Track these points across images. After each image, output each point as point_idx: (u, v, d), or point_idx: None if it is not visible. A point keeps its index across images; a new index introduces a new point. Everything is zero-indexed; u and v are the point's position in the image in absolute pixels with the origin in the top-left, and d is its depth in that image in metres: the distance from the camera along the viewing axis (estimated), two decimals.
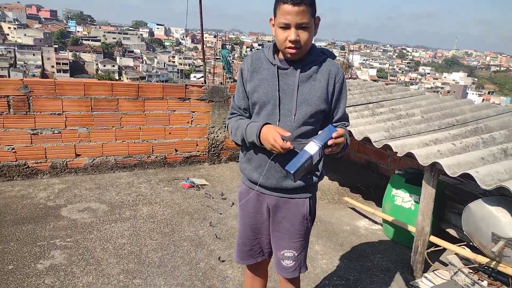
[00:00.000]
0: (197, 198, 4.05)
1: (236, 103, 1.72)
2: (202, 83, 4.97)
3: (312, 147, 1.42)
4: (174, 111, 4.72)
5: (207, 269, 2.82)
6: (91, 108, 4.29)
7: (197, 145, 4.98)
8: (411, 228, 3.06)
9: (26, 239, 3.05)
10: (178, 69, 79.14)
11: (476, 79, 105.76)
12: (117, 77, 64.14)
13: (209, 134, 5.03)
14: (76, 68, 65.62)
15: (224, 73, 5.10)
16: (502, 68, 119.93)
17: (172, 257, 2.94)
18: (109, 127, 4.42)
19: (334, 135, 1.42)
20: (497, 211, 2.31)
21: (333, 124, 1.69)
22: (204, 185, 4.41)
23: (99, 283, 2.59)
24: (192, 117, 4.86)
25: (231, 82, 5.34)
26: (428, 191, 2.76)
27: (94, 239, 3.12)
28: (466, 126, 3.30)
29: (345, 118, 1.71)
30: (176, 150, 4.87)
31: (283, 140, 1.46)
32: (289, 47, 1.50)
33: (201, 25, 5.00)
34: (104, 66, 67.47)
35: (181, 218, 3.59)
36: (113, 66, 68.21)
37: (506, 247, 2.25)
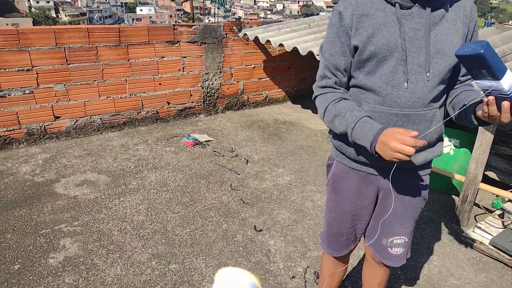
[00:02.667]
0: (206, 157, 3.66)
1: (332, 61, 1.30)
2: (191, 23, 4.33)
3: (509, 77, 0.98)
4: (163, 57, 4.13)
5: (247, 242, 2.54)
6: (66, 60, 3.58)
7: (191, 95, 4.49)
8: (459, 177, 2.88)
9: (24, 227, 2.56)
10: (121, 2, 72.95)
11: None
12: (54, 15, 58.04)
13: (203, 82, 4.52)
14: (5, 7, 58.29)
15: (216, 9, 4.42)
16: None
17: (203, 232, 2.61)
18: (90, 81, 3.77)
19: None
20: None
21: (460, 79, 1.34)
22: (209, 141, 4.01)
23: (131, 274, 2.23)
24: (184, 64, 4.31)
25: (223, 18, 4.69)
26: (486, 138, 2.56)
27: (106, 219, 2.69)
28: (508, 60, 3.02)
29: None
30: (169, 103, 4.36)
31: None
32: None
33: None
34: (38, 2, 60.50)
35: (196, 183, 3.21)
36: (48, 2, 61.31)
37: None
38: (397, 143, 1.07)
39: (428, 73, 1.22)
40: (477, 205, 3.04)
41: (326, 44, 1.32)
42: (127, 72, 3.94)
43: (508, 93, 1.00)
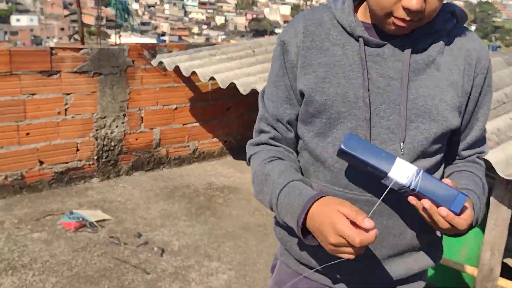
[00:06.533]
0: (97, 248, 3.45)
1: (272, 110, 1.36)
2: (79, 45, 4.36)
3: (402, 172, 1.12)
4: (33, 95, 4.10)
5: None
6: None
7: (77, 150, 4.44)
8: (468, 269, 2.85)
9: None
10: None
11: None
12: None
13: (97, 130, 4.51)
14: None
15: (119, 26, 4.67)
16: None
17: None
18: None
19: (442, 212, 1.07)
20: None
21: (462, 154, 1.39)
22: (103, 220, 3.84)
23: None
24: (67, 104, 4.30)
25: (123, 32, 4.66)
26: (502, 215, 2.58)
27: None
28: None
29: (482, 140, 1.40)
30: (41, 162, 4.25)
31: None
32: (400, 18, 1.14)
33: None
34: None
35: None
36: None
37: None
38: (335, 235, 1.06)
39: (402, 143, 1.22)
40: None
41: (268, 87, 1.38)
42: None
43: (408, 185, 1.09)
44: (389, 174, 1.09)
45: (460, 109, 1.27)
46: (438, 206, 1.06)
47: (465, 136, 1.34)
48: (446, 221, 1.07)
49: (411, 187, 1.08)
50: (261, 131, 1.37)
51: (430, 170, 1.27)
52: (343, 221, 1.05)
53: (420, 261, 1.34)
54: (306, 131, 1.30)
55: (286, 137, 1.35)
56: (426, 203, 1.07)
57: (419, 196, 1.09)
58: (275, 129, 1.34)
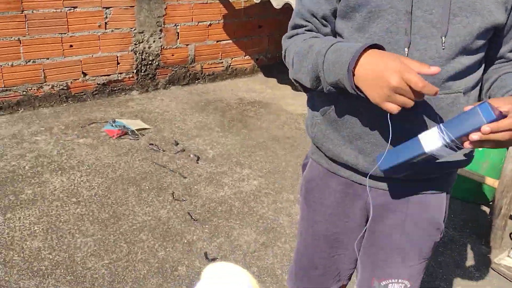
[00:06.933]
0: (138, 153, 3.60)
1: (307, 6, 1.28)
2: None
3: (431, 139, 1.08)
4: (74, 8, 4.08)
5: (194, 277, 2.47)
6: None
7: (118, 63, 4.47)
8: (489, 181, 2.89)
9: None
10: None
11: None
12: None
13: (135, 44, 4.51)
14: None
15: None
16: None
17: (129, 264, 2.52)
18: None
19: (485, 129, 0.99)
20: None
21: (508, 55, 1.28)
22: (144, 129, 3.95)
23: None
24: (106, 17, 4.27)
25: None
26: None
27: None
28: None
29: None
30: (85, 74, 4.32)
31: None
32: None
33: None
34: None
35: (123, 191, 3.13)
36: None
37: None
38: (399, 79, 1.00)
39: (444, 38, 1.16)
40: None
41: None
42: (21, 29, 3.82)
43: (445, 143, 1.07)
44: (426, 151, 1.08)
45: (507, 5, 1.18)
46: (478, 130, 1.00)
47: (508, 41, 1.26)
48: (499, 133, 0.99)
49: (447, 140, 1.04)
50: (297, 26, 1.31)
51: (470, 68, 1.22)
52: (409, 68, 1.00)
53: (452, 159, 1.29)
54: (346, 26, 1.24)
55: (322, 32, 1.28)
56: (474, 135, 1.00)
57: (462, 140, 1.04)
58: (311, 23, 1.29)
